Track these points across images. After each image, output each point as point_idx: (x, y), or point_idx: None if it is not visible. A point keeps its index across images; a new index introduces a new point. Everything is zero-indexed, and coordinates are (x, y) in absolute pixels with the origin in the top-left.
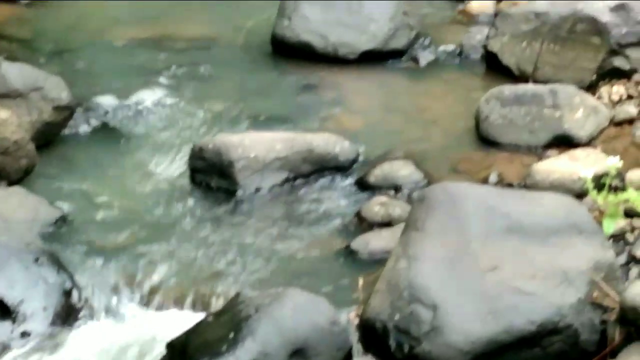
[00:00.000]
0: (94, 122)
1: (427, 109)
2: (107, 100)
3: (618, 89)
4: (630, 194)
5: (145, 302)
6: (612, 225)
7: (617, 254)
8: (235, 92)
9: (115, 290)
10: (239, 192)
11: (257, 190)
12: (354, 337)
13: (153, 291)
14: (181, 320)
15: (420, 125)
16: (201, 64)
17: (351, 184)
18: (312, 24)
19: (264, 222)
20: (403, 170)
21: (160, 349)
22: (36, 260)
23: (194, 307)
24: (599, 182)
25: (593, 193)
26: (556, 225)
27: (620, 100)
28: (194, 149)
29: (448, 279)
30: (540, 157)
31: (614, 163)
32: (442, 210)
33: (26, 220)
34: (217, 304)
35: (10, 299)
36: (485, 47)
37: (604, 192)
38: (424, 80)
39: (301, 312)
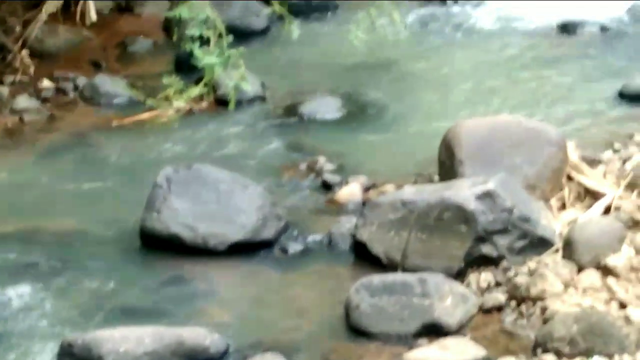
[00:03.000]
0: None
1: (297, 299)
2: None
3: (486, 276)
4: None
5: None
6: None
7: None
8: (104, 287)
9: None
10: None
11: None
12: None
13: None
14: None
15: (290, 316)
16: (70, 258)
17: None
18: (181, 216)
19: None
20: None
21: None
22: None
23: None
24: None
25: None
26: None
27: (488, 288)
28: (62, 345)
29: None
30: (410, 347)
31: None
32: None
33: None
34: None
35: None
36: (354, 236)
37: None
38: (293, 271)
39: None
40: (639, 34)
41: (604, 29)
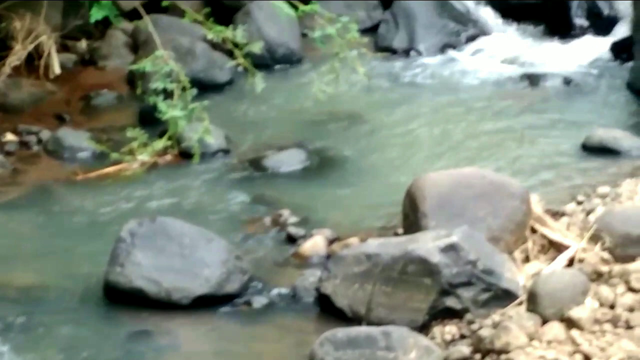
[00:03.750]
0: None
1: (261, 353)
2: None
3: (450, 329)
4: None
5: None
6: None
7: None
8: (69, 342)
9: None
10: None
11: None
12: None
13: None
14: None
15: None
16: (34, 313)
17: None
18: (144, 270)
19: None
20: None
21: None
22: None
23: None
24: None
25: None
26: None
27: (453, 340)
28: None
29: None
30: None
31: None
32: None
33: None
34: None
35: None
36: (318, 289)
37: None
38: (258, 324)
39: None
40: (601, 87)
41: (567, 81)
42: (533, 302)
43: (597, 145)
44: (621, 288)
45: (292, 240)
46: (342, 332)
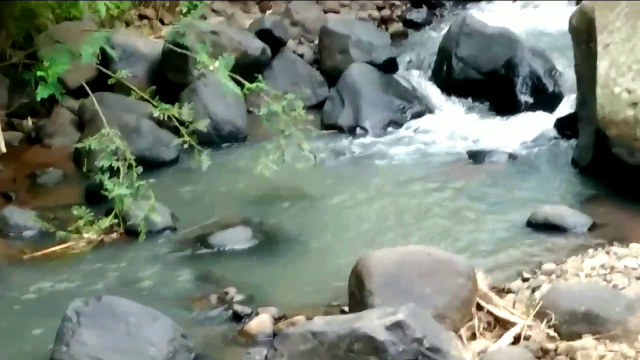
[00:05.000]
0: None
1: None
2: None
3: None
4: None
5: None
6: None
7: None
8: None
9: None
10: None
11: None
12: None
13: None
14: None
15: None
16: None
17: None
18: (90, 349)
19: None
20: None
21: None
22: None
23: None
24: None
25: None
26: None
27: None
28: None
29: None
30: None
31: None
32: None
33: None
34: None
35: None
36: None
37: None
38: None
39: None
40: (546, 163)
41: (512, 157)
42: None
43: (543, 222)
44: None
45: (238, 318)
46: None
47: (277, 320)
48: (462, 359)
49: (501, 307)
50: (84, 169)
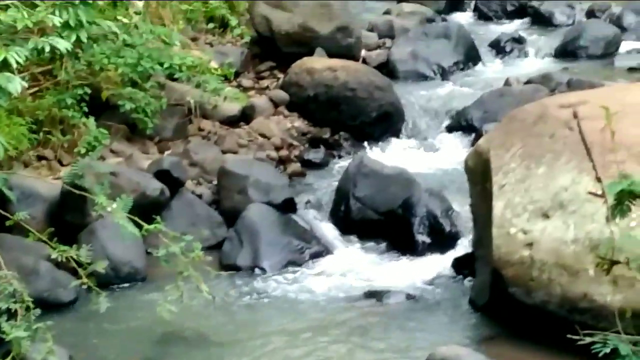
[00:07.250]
0: None
1: None
2: None
3: None
4: None
5: None
6: None
7: None
8: None
9: None
10: None
11: None
12: None
13: None
14: None
15: None
16: None
17: None
18: None
19: None
20: None
21: None
22: None
23: None
24: None
25: None
26: None
27: None
28: None
29: None
30: None
31: None
32: None
33: None
34: None
35: None
36: None
37: None
38: None
39: None
40: (444, 303)
41: (410, 297)
42: None
43: None
44: None
45: None
46: None
47: None
48: None
49: None
50: None
